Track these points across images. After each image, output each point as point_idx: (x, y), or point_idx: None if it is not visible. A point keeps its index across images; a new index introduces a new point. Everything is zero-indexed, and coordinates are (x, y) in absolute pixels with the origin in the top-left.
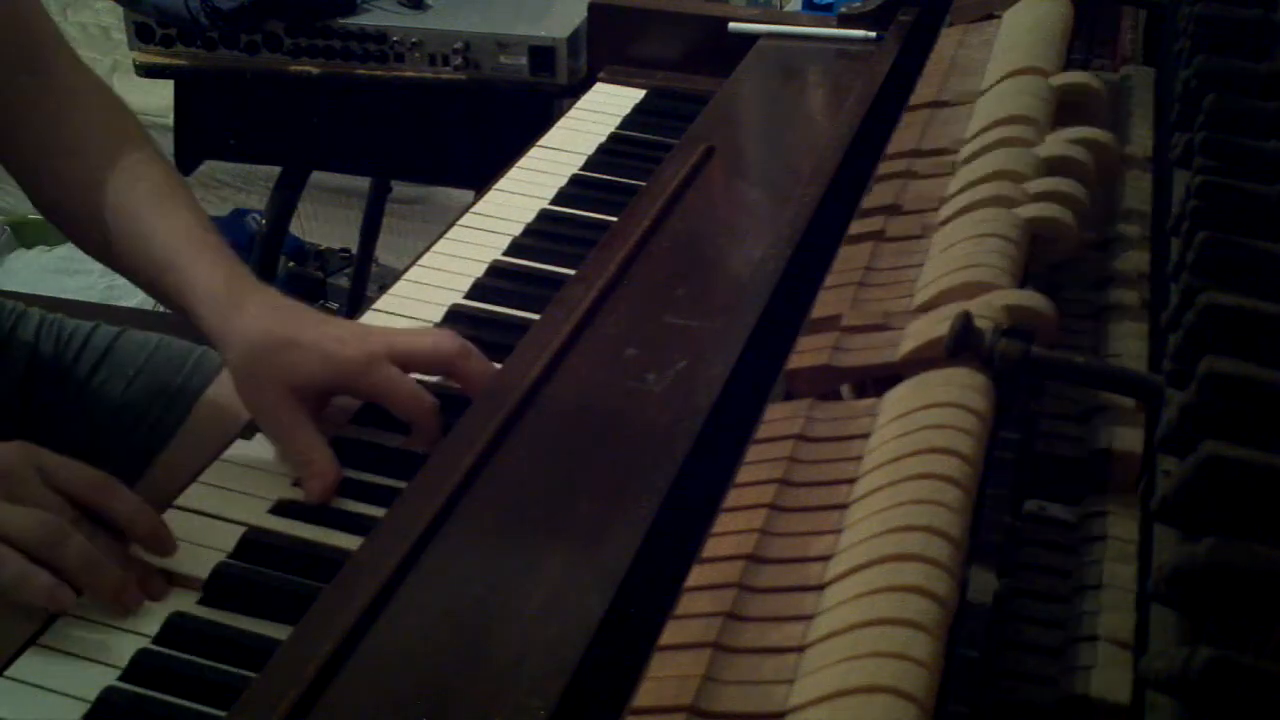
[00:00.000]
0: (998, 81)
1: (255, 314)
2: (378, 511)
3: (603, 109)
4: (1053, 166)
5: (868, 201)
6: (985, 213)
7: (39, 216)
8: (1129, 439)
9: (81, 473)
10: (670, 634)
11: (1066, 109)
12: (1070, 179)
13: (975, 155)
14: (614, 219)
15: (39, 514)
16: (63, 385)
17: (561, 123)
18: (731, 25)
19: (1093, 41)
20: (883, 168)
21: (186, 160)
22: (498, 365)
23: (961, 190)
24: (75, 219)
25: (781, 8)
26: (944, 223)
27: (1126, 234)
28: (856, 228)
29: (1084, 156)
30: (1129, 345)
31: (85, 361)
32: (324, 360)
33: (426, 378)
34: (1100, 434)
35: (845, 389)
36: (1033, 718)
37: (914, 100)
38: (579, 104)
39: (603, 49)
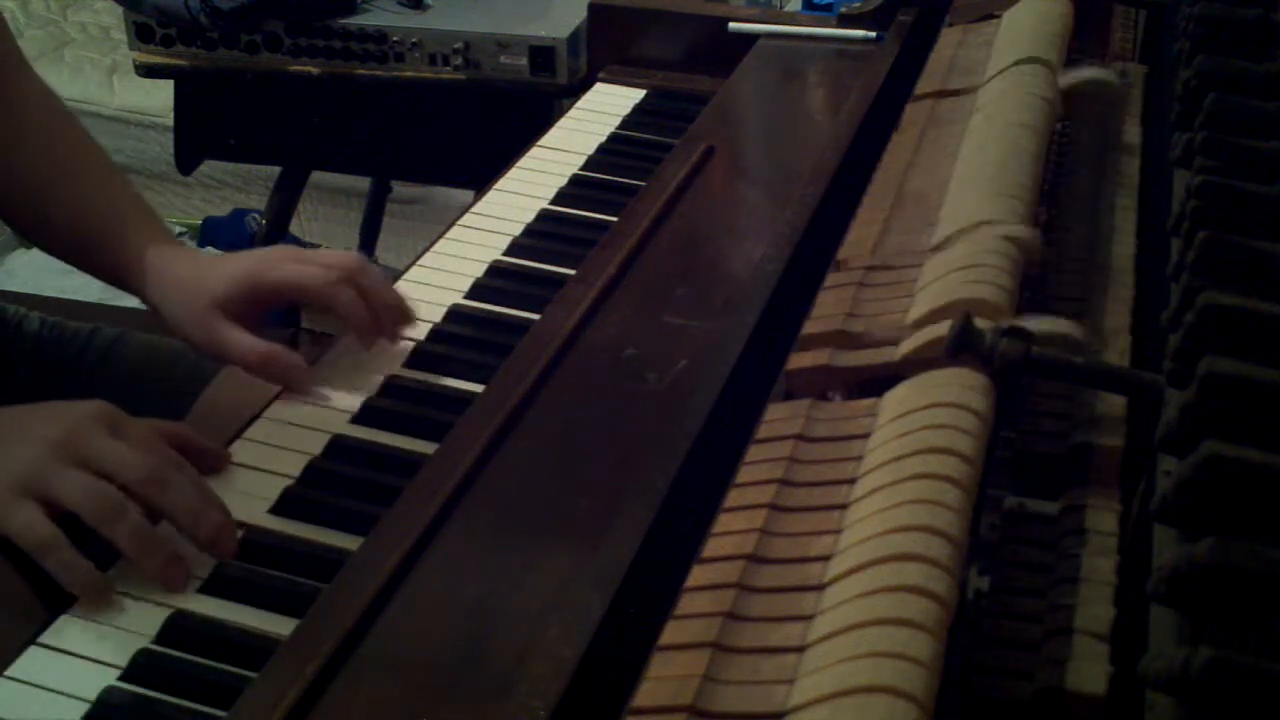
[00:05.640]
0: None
1: (182, 269)
2: (378, 511)
3: (603, 109)
4: None
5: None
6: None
7: None
8: (1110, 433)
9: (155, 426)
10: (670, 634)
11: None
12: None
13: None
14: (614, 219)
15: (98, 485)
16: (63, 388)
17: (561, 123)
18: (731, 25)
19: (1085, 39)
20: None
21: (186, 160)
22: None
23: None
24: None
25: (781, 8)
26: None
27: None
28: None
29: None
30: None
31: (86, 364)
32: (234, 275)
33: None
34: (1081, 428)
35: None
36: (1009, 712)
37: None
38: (579, 104)
39: (603, 49)
